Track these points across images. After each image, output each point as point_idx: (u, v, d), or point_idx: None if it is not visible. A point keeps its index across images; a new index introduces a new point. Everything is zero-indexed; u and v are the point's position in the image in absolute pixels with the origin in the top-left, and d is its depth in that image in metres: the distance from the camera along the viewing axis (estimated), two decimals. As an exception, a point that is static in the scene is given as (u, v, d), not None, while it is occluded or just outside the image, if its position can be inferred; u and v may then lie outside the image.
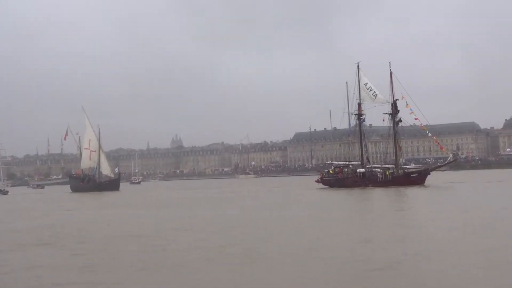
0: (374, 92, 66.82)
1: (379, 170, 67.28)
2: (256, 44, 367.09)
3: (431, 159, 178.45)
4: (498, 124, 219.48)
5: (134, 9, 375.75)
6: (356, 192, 55.92)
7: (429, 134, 68.22)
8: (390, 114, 66.35)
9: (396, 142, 67.04)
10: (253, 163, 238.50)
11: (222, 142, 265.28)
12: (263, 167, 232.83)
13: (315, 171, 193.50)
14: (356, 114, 69.36)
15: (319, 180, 70.80)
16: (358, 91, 68.26)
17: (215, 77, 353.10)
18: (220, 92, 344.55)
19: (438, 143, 72.90)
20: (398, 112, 65.84)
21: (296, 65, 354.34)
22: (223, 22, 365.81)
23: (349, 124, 70.03)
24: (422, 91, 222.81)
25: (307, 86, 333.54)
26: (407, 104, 64.35)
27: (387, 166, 68.52)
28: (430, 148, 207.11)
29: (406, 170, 67.31)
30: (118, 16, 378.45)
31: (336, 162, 75.80)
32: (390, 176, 64.79)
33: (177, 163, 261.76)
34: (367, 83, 67.54)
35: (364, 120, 70.27)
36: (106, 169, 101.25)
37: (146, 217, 36.78)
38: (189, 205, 47.65)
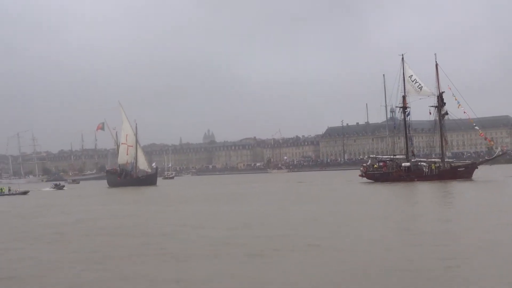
0: (420, 84, 65.54)
1: (424, 164, 66.06)
2: (285, 39, 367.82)
3: (469, 153, 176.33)
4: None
5: (159, 8, 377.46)
6: (404, 187, 54.65)
7: (476, 128, 66.87)
8: (436, 106, 65.11)
9: (442, 136, 65.79)
10: (285, 157, 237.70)
11: (254, 137, 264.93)
12: (295, 161, 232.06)
13: (347, 166, 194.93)
14: (401, 107, 68.15)
15: (363, 174, 69.84)
16: (402, 84, 66.97)
17: (245, 74, 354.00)
18: (251, 87, 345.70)
19: (486, 137, 71.44)
20: (444, 105, 64.61)
21: (327, 59, 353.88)
22: (251, 17, 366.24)
23: (394, 118, 68.73)
24: (455, 84, 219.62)
25: (338, 80, 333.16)
26: (454, 97, 63.07)
27: (433, 159, 67.19)
28: (464, 142, 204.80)
29: (452, 164, 66.04)
30: (143, 15, 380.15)
31: (380, 156, 74.60)
32: (437, 170, 63.57)
33: (210, 158, 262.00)
34: (412, 75, 66.23)
35: (409, 113, 68.81)
36: (143, 164, 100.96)
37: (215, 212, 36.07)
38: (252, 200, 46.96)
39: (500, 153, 68.46)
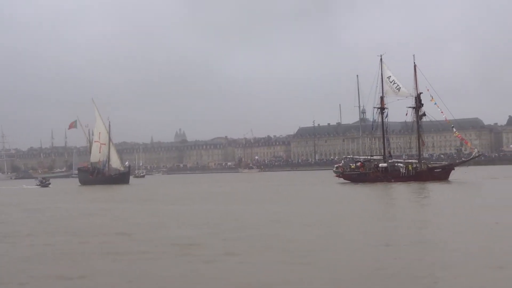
0: (398, 85, 65.64)
1: (401, 164, 66.21)
2: (259, 39, 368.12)
3: (442, 155, 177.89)
4: (502, 120, 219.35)
5: (138, 2, 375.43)
6: (381, 188, 54.67)
7: (454, 129, 67.15)
8: (413, 107, 65.27)
9: (419, 137, 65.98)
10: (256, 157, 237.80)
11: (226, 137, 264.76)
12: (266, 161, 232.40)
13: (318, 166, 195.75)
14: (379, 108, 68.20)
15: (340, 174, 69.83)
16: (381, 84, 67.06)
17: (219, 71, 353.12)
18: (223, 86, 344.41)
19: (462, 138, 71.84)
20: (422, 106, 64.81)
21: (299, 60, 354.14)
22: (226, 16, 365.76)
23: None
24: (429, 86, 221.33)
25: (311, 80, 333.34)
26: (431, 98, 63.31)
27: (409, 160, 67.38)
28: (433, 144, 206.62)
29: (429, 165, 66.28)
30: (122, 9, 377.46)
31: (357, 157, 74.64)
32: (413, 171, 63.71)
33: (181, 157, 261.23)
34: (390, 76, 66.32)
35: (387, 115, 68.90)
36: (115, 162, 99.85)
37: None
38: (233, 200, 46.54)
39: (477, 154, 68.76)
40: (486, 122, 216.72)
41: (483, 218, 25.33)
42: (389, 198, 43.70)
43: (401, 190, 49.98)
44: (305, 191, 55.50)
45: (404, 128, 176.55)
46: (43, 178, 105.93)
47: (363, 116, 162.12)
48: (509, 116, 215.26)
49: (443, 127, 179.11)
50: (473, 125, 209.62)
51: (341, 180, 68.90)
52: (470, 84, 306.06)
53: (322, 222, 25.82)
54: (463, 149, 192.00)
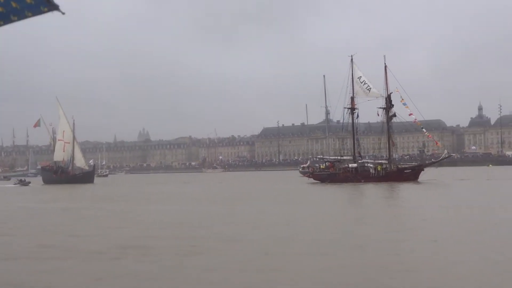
0: (368, 86, 65.59)
1: (371, 165, 66.19)
2: (224, 38, 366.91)
3: (406, 156, 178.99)
4: (464, 122, 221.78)
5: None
6: (351, 188, 54.48)
7: (424, 130, 67.40)
8: (384, 108, 65.33)
9: (389, 137, 66.04)
10: (220, 157, 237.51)
11: (190, 136, 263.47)
12: (230, 161, 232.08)
13: (282, 167, 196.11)
14: (349, 108, 68.09)
15: (310, 174, 69.68)
16: (351, 85, 66.97)
17: (183, 71, 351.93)
18: (188, 86, 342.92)
19: (433, 138, 72.14)
20: (393, 107, 64.90)
21: (264, 60, 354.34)
22: (189, 16, 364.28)
23: (343, 118, 68.67)
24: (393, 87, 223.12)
25: (276, 81, 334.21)
26: (401, 99, 63.46)
27: (379, 161, 67.40)
28: (397, 145, 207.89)
29: (399, 166, 66.41)
30: (84, 7, 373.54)
31: (327, 157, 74.45)
32: (383, 172, 63.71)
33: (144, 156, 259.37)
34: (360, 76, 66.24)
35: (358, 115, 68.86)
36: (80, 161, 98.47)
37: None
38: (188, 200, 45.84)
39: (447, 155, 69.10)
40: (448, 124, 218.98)
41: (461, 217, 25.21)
42: (358, 198, 43.47)
43: (370, 191, 49.79)
44: (279, 191, 54.98)
45: (368, 129, 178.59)
46: (24, 178, 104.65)
47: (328, 116, 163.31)
48: (471, 118, 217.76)
49: (406, 128, 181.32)
50: (436, 126, 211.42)
51: (311, 180, 68.76)
52: (433, 86, 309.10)
53: (278, 223, 25.30)
54: (425, 150, 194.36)
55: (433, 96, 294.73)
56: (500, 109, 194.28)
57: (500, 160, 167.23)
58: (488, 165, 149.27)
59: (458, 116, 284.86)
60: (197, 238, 20.06)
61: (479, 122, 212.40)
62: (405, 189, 50.41)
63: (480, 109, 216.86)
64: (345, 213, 30.15)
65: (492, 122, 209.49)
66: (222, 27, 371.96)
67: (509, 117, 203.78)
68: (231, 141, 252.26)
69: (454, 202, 34.59)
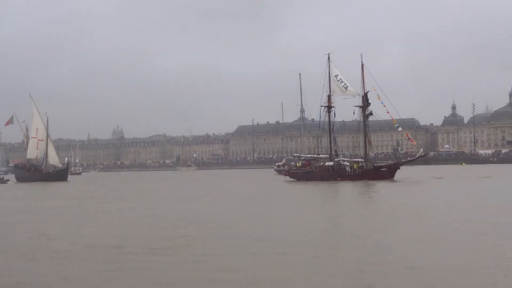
0: (345, 84, 65.51)
1: (347, 163, 66.16)
2: (200, 34, 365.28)
3: (381, 154, 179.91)
4: (438, 121, 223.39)
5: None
6: (327, 186, 54.48)
7: (400, 129, 67.52)
8: (360, 106, 65.32)
9: (366, 136, 66.05)
10: (194, 155, 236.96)
11: (164, 134, 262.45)
12: (205, 159, 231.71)
13: (257, 165, 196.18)
14: (326, 106, 67.97)
15: (286, 173, 69.56)
16: (328, 83, 66.84)
17: (158, 69, 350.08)
18: (162, 84, 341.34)
19: (409, 137, 72.31)
20: (369, 105, 64.91)
21: (240, 58, 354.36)
22: (164, 11, 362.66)
23: (320, 117, 68.46)
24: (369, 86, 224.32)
25: (251, 79, 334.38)
26: (378, 97, 63.46)
27: (356, 159, 67.36)
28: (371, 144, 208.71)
29: (375, 164, 66.46)
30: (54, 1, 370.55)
31: (304, 155, 74.34)
32: (359, 170, 63.69)
33: (118, 154, 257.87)
34: (337, 74, 66.13)
35: (335, 114, 68.70)
36: (53, 159, 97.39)
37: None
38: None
39: (423, 154, 69.34)
40: (422, 123, 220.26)
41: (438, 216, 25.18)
42: (335, 197, 43.46)
43: (347, 189, 49.79)
44: (256, 189, 54.78)
45: (344, 127, 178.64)
46: (2, 176, 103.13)
47: (302, 115, 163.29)
48: (445, 117, 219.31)
49: (380, 126, 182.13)
50: (410, 125, 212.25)
51: (287, 178, 68.64)
52: (407, 84, 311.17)
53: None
54: (399, 148, 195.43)
55: (408, 95, 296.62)
56: (473, 108, 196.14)
57: (473, 159, 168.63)
58: (461, 164, 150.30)
59: (432, 115, 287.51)
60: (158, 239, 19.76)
61: (453, 121, 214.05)
62: (382, 187, 50.48)
63: (453, 108, 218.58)
64: (321, 212, 30.03)
65: (466, 121, 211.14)
66: (200, 25, 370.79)
67: (482, 116, 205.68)
68: (206, 139, 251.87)
69: (432, 200, 34.68)
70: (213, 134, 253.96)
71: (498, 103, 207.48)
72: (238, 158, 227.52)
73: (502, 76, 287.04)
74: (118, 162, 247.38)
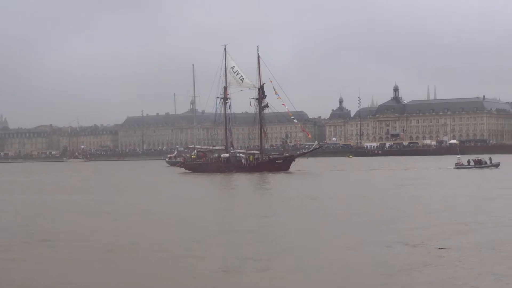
0: (241, 76, 65.57)
1: (243, 155, 66.35)
2: (87, 25, 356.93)
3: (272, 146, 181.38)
4: (325, 114, 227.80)
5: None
6: (221, 178, 54.70)
7: (295, 121, 68.32)
8: (256, 99, 65.60)
9: (261, 128, 66.42)
10: (82, 146, 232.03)
11: (51, 125, 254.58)
12: (93, 151, 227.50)
13: (146, 156, 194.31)
14: (222, 98, 67.86)
15: (181, 164, 69.06)
16: (224, 75, 66.72)
17: (44, 57, 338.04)
18: (49, 73, 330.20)
19: (304, 129, 73.27)
20: (265, 97, 65.28)
21: (130, 48, 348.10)
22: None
23: (216, 108, 68.26)
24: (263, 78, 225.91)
25: (143, 70, 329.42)
26: (275, 90, 63.96)
27: (251, 151, 67.66)
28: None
29: (271, 156, 66.98)
30: None
31: (199, 146, 74.02)
32: (255, 162, 64.00)
33: (2, 145, 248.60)
34: (234, 66, 66.11)
35: (230, 105, 68.72)
36: None
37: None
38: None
39: (317, 146, 70.50)
40: (310, 116, 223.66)
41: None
42: (228, 188, 43.78)
43: (242, 181, 50.17)
44: (150, 182, 54.22)
45: (241, 119, 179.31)
46: None
47: (192, 106, 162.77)
48: (332, 110, 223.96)
49: (269, 119, 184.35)
50: (298, 118, 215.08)
51: (182, 170, 68.20)
52: (296, 77, 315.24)
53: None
54: (288, 141, 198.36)
55: (297, 88, 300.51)
56: (360, 102, 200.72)
57: (359, 151, 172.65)
58: (348, 156, 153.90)
59: (320, 108, 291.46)
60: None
61: (340, 114, 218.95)
62: (277, 179, 51.08)
63: (341, 101, 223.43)
64: (214, 203, 30.27)
65: (352, 114, 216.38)
66: (87, 14, 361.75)
67: (368, 110, 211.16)
68: (94, 130, 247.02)
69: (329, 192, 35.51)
70: (102, 125, 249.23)
71: (384, 98, 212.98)
72: (127, 150, 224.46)
73: (387, 72, 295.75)
74: (2, 153, 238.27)
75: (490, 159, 63.19)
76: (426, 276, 12.59)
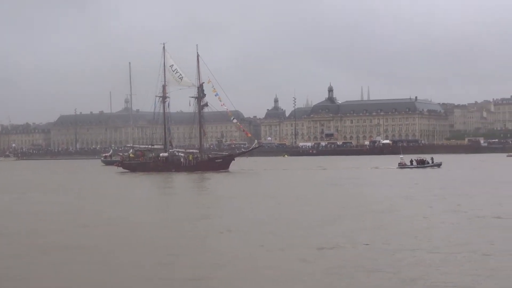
0: (180, 74, 65.20)
1: (182, 154, 66.01)
2: (23, 22, 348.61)
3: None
4: (261, 114, 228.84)
5: None
6: (160, 178, 54.43)
7: (234, 120, 68.37)
8: (196, 97, 65.37)
9: (201, 127, 66.24)
10: (13, 145, 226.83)
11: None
12: (24, 149, 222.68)
13: (79, 155, 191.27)
14: (160, 97, 67.36)
15: (119, 164, 68.24)
16: (163, 73, 66.30)
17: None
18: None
19: (244, 129, 73.40)
20: (205, 96, 65.09)
21: (66, 46, 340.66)
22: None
23: (154, 107, 67.72)
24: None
25: (78, 68, 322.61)
26: (213, 89, 63.88)
27: (190, 151, 67.39)
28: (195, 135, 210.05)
29: (210, 156, 66.85)
30: None
31: (138, 146, 73.33)
32: (194, 161, 63.77)
33: None
34: (173, 65, 65.69)
35: (169, 104, 68.32)
36: None
37: None
38: None
39: (257, 146, 70.75)
40: (246, 115, 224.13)
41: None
42: (166, 188, 43.70)
43: (180, 180, 50.07)
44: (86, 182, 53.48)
45: (180, 118, 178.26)
46: None
47: (129, 105, 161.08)
48: (267, 110, 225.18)
49: (206, 118, 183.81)
50: (234, 117, 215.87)
51: (120, 169, 67.40)
52: (233, 77, 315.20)
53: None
54: (223, 140, 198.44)
55: (233, 87, 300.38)
56: (295, 102, 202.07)
57: (294, 151, 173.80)
58: (284, 155, 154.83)
59: (256, 108, 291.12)
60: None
61: (275, 114, 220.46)
62: (215, 178, 51.12)
63: (276, 101, 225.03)
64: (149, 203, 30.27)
65: (287, 114, 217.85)
66: (21, 11, 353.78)
67: (303, 110, 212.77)
68: (26, 129, 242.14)
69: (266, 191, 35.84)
70: (34, 123, 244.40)
71: (319, 98, 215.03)
72: (60, 149, 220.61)
73: (323, 73, 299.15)
74: None
75: (432, 159, 64.57)
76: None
